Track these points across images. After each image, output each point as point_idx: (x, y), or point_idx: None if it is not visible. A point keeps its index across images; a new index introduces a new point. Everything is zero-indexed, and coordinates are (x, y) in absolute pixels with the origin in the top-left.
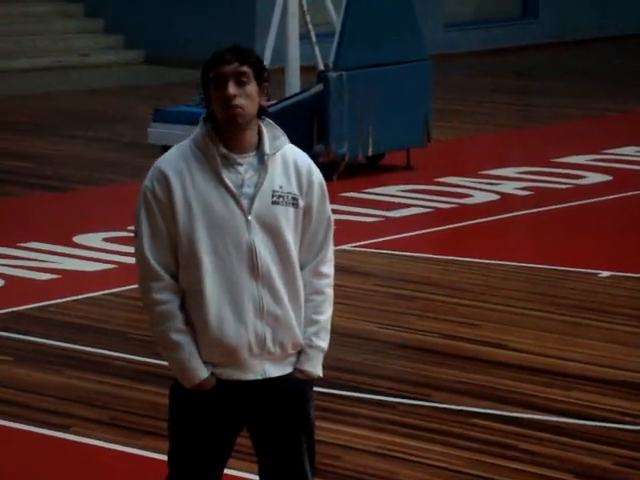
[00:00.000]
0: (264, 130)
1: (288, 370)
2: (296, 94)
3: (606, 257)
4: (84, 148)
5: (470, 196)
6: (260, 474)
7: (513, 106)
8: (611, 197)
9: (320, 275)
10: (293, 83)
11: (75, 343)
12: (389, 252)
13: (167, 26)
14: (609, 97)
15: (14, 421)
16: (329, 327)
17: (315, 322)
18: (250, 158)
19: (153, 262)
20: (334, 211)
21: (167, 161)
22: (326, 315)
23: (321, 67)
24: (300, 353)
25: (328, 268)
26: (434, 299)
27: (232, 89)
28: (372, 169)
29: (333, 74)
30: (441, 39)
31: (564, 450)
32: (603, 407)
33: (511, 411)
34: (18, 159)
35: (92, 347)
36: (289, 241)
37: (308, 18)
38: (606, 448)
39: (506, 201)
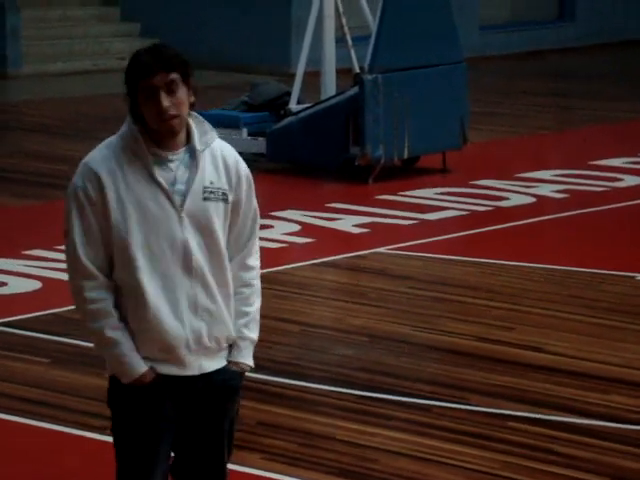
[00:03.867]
0: (192, 125)
1: (222, 363)
2: (332, 97)
3: None
4: None
5: (506, 199)
6: (174, 466)
7: (549, 108)
8: None
9: (247, 268)
10: (329, 86)
11: None
12: (425, 255)
13: (202, 31)
14: None
15: (52, 423)
16: (258, 318)
17: (245, 314)
18: (181, 154)
19: (85, 260)
20: (371, 214)
21: (97, 159)
22: (255, 306)
23: (357, 70)
24: (232, 345)
25: (255, 260)
26: (470, 302)
27: (165, 101)
28: (408, 172)
29: (369, 77)
30: (477, 41)
31: (601, 454)
32: None
33: (548, 414)
34: (57, 163)
35: None
36: (219, 236)
37: (344, 21)
38: None
39: (542, 204)
